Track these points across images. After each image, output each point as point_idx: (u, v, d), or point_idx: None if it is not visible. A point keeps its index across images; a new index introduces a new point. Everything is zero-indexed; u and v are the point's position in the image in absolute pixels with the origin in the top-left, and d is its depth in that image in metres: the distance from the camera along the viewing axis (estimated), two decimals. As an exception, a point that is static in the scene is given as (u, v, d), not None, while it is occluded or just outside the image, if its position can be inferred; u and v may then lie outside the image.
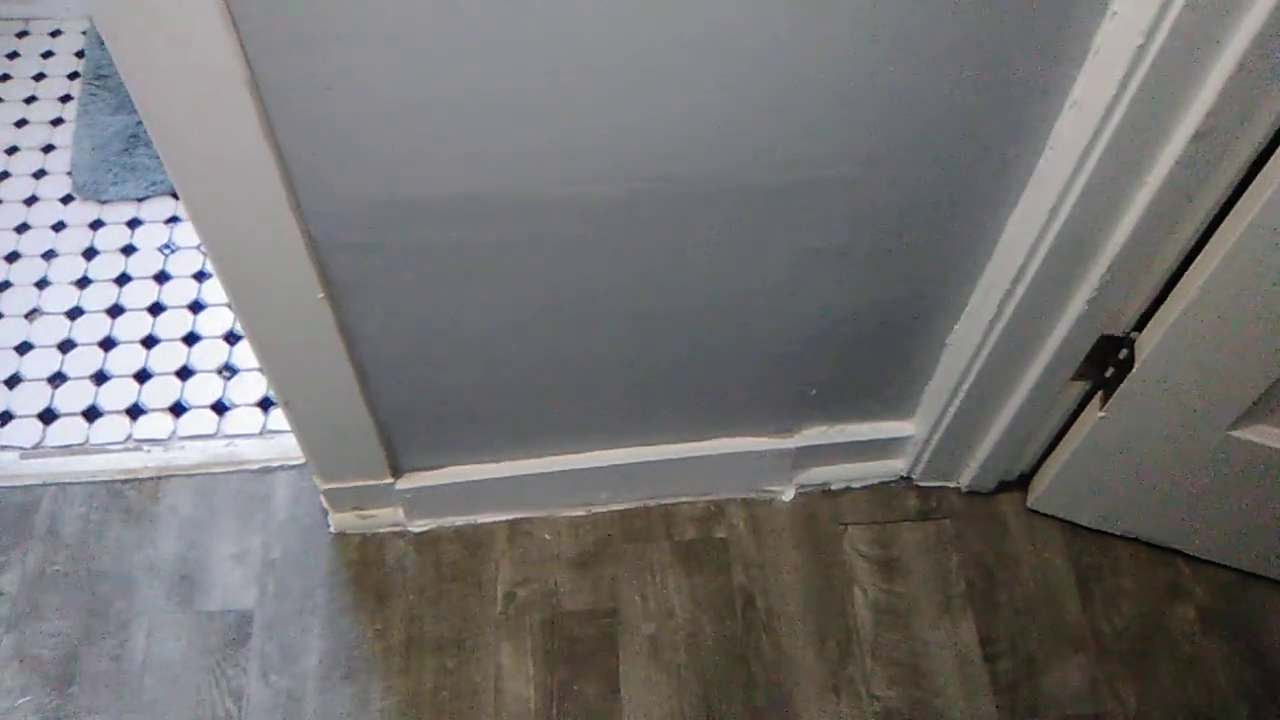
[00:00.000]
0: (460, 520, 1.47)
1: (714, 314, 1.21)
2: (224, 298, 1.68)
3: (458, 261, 1.08)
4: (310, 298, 1.07)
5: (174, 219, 1.79)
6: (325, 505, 1.46)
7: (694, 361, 1.28)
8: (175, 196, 1.81)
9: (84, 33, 2.09)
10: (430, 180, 0.97)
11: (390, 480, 1.39)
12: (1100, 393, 1.27)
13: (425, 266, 1.08)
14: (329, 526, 1.46)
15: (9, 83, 2.00)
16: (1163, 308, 1.13)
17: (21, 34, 2.09)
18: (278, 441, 1.53)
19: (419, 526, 1.46)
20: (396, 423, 1.31)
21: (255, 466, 1.51)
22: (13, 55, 2.05)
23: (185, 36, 0.80)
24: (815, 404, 1.39)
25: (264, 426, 1.55)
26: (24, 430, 1.55)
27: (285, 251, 1.01)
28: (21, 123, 1.94)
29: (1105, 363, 1.24)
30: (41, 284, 1.71)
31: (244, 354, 1.62)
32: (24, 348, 1.64)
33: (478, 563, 1.44)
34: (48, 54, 2.06)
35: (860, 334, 1.27)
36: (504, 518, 1.47)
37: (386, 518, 1.45)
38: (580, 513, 1.48)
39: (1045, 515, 1.48)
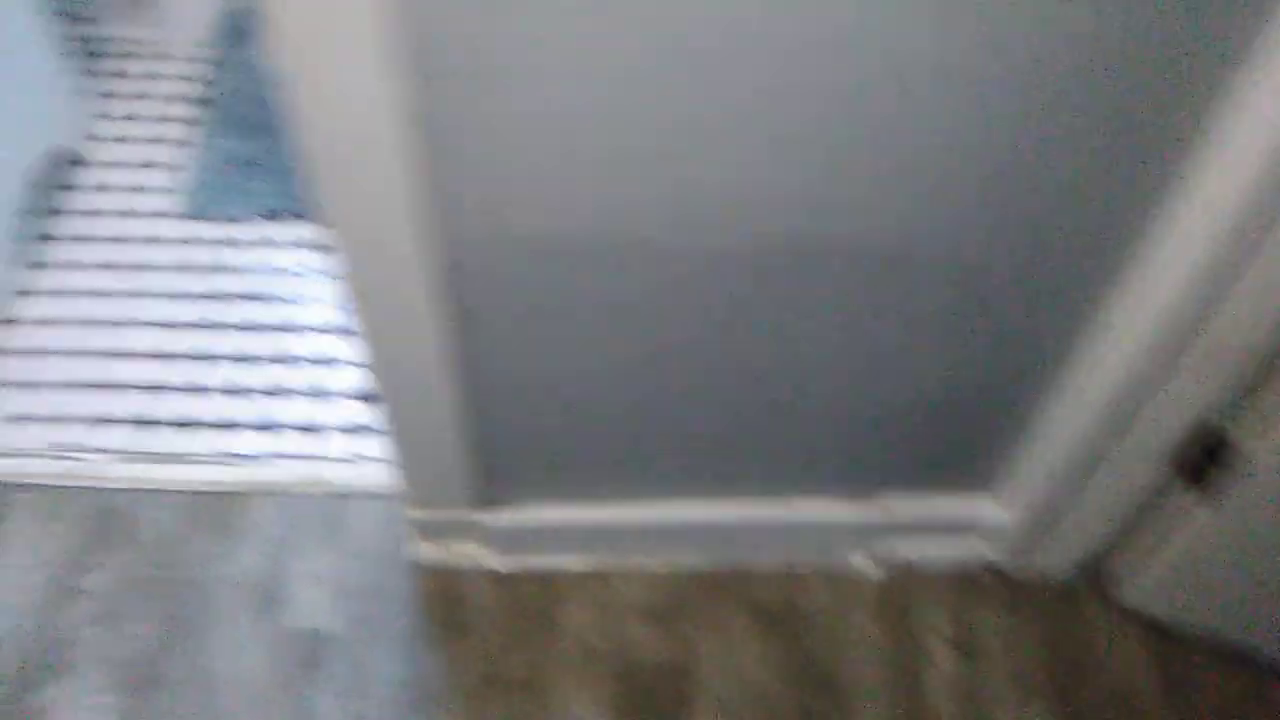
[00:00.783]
0: (542, 562, 1.49)
1: (808, 371, 1.24)
2: (319, 322, 1.72)
3: (580, 301, 1.11)
4: (438, 324, 1.10)
5: (271, 242, 1.84)
6: (409, 534, 1.48)
7: (785, 418, 1.31)
8: (272, 219, 1.86)
9: (196, 60, 2.16)
10: (567, 218, 1.01)
11: (478, 515, 1.41)
12: (1204, 488, 1.25)
13: (549, 302, 1.11)
14: (411, 556, 1.48)
15: (118, 100, 2.07)
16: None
17: (137, 56, 2.16)
18: (365, 468, 1.56)
19: (500, 564, 1.48)
20: (494, 457, 1.33)
21: (341, 490, 1.54)
22: (128, 75, 2.12)
23: (350, 63, 0.84)
24: (900, 474, 1.42)
25: (351, 452, 1.58)
26: (119, 435, 1.58)
27: (423, 277, 1.04)
28: (130, 139, 2.00)
29: (1211, 457, 1.21)
30: (138, 294, 1.75)
31: (336, 378, 1.66)
32: (120, 354, 1.67)
33: (556, 607, 1.45)
34: (161, 77, 2.13)
35: (952, 406, 1.29)
36: (586, 564, 1.49)
37: (469, 552, 1.47)
38: (661, 567, 1.50)
39: (1133, 610, 1.46)
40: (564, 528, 1.44)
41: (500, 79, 0.87)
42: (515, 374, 1.21)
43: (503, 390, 1.23)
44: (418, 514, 1.41)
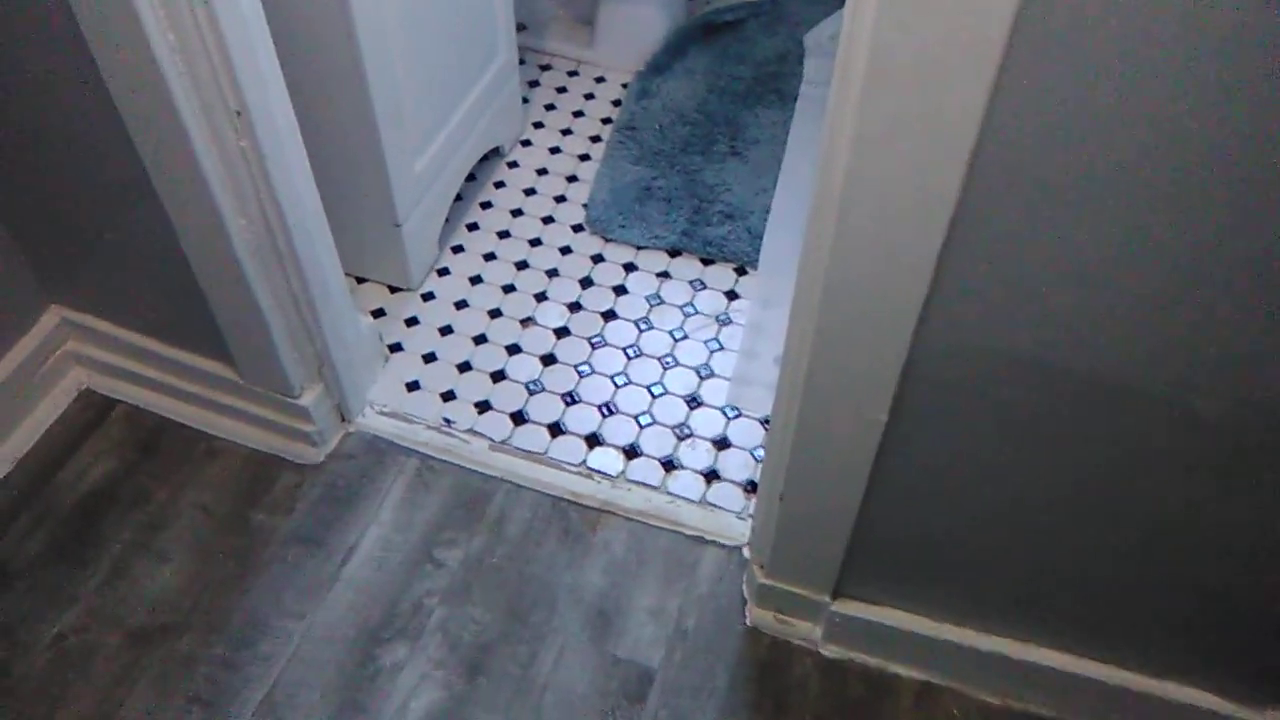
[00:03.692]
0: (872, 660, 1.43)
1: (1237, 559, 1.11)
2: (696, 362, 1.75)
3: (1016, 425, 1.06)
4: (873, 415, 1.07)
5: (665, 274, 1.89)
6: (746, 595, 1.47)
7: (1190, 599, 1.18)
8: (673, 255, 1.91)
9: (624, 85, 2.28)
10: (1041, 344, 0.96)
11: (826, 599, 1.37)
12: None
13: (983, 418, 1.06)
14: (745, 617, 1.46)
15: (553, 113, 2.21)
16: None
17: (572, 73, 2.31)
18: (716, 516, 1.56)
19: (830, 651, 1.43)
20: (866, 548, 1.29)
21: (689, 532, 1.54)
22: (562, 90, 2.27)
23: (924, 170, 0.83)
24: (1305, 689, 1.24)
25: (704, 496, 1.59)
26: (497, 424, 1.67)
27: (879, 368, 1.02)
28: (555, 150, 2.13)
29: None
30: (540, 297, 1.85)
31: (702, 420, 1.67)
32: (514, 349, 1.77)
33: (879, 710, 1.39)
34: (590, 96, 2.26)
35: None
36: (917, 675, 1.41)
37: (803, 630, 1.43)
38: (996, 701, 1.39)
39: None
40: (908, 636, 1.36)
41: (1033, 216, 0.85)
42: (917, 482, 1.17)
43: (897, 494, 1.19)
44: (767, 581, 1.39)
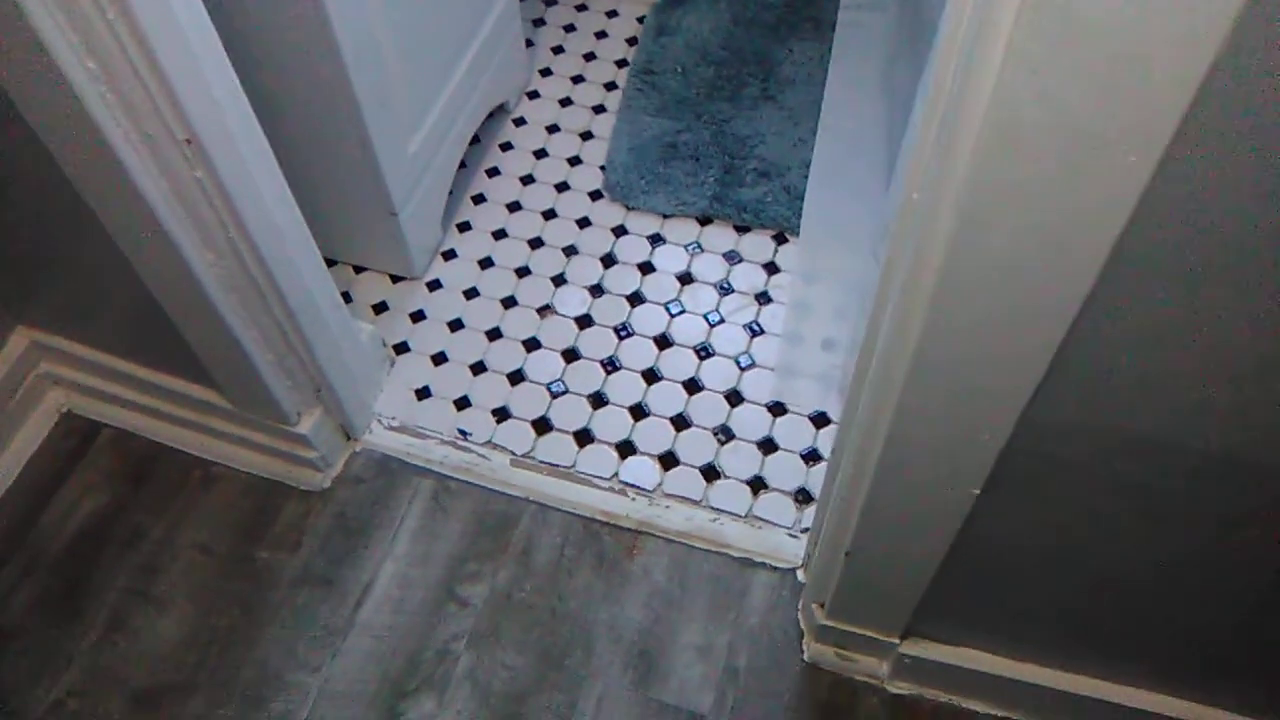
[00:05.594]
0: (943, 697, 1.29)
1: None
2: (734, 349, 1.57)
3: (1115, 494, 0.91)
4: (965, 491, 0.90)
5: (696, 246, 1.70)
6: (803, 626, 1.33)
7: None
8: (704, 223, 1.72)
9: (640, 19, 2.04)
10: (1146, 421, 0.81)
11: (895, 640, 1.23)
12: None
13: (1080, 486, 0.91)
14: (802, 652, 1.32)
15: (562, 57, 1.99)
16: None
17: (581, 8, 2.08)
18: (765, 533, 1.41)
19: (898, 688, 1.29)
20: (942, 594, 1.13)
21: (737, 554, 1.39)
22: (570, 28, 2.04)
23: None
24: None
25: (750, 510, 1.43)
26: (518, 434, 1.51)
27: (981, 447, 0.84)
28: (566, 102, 1.91)
29: None
30: (558, 280, 1.67)
31: (743, 420, 1.51)
32: (532, 344, 1.60)
33: (959, 757, 1.25)
34: (602, 34, 2.03)
35: None
36: (990, 711, 1.27)
37: (867, 666, 1.29)
38: (1083, 738, 1.26)
39: None
40: (981, 675, 1.22)
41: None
42: (1006, 544, 1.01)
43: (984, 553, 1.03)
44: (828, 622, 1.24)
